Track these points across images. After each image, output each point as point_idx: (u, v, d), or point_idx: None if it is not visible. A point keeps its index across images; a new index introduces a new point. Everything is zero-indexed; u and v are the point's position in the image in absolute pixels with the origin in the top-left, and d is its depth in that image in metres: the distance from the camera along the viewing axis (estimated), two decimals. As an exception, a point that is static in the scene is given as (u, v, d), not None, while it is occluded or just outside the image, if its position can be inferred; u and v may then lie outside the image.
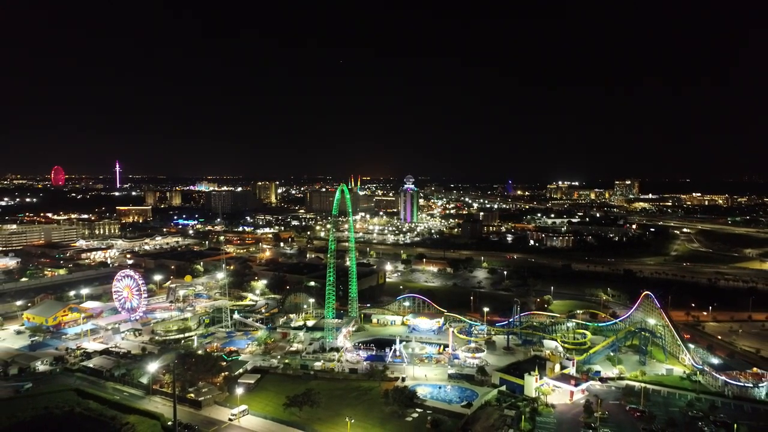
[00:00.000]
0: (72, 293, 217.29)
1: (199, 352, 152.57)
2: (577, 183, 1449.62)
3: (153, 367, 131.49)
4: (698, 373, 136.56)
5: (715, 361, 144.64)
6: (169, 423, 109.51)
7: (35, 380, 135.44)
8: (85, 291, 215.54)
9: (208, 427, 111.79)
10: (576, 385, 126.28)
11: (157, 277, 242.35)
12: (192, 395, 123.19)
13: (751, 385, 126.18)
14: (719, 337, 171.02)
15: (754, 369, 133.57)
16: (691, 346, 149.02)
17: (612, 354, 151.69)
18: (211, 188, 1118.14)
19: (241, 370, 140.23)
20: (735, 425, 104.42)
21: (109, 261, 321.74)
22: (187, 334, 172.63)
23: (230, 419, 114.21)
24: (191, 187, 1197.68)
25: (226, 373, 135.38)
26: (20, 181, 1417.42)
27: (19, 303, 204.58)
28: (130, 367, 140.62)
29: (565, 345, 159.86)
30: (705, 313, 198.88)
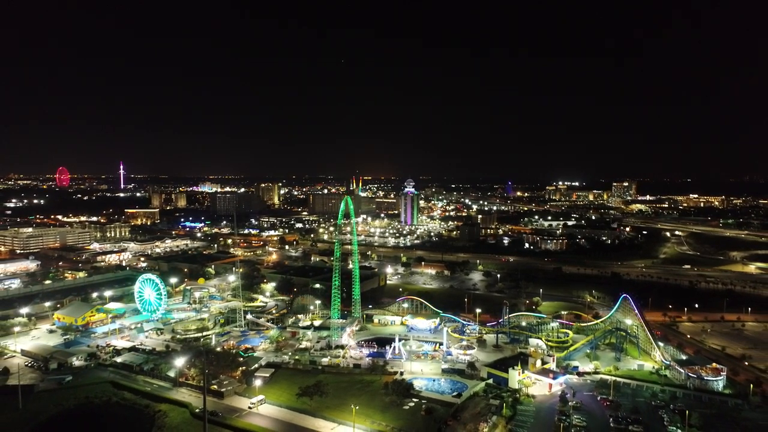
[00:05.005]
0: (95, 295, 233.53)
1: (218, 349, 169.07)
2: (576, 183, 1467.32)
3: (179, 362, 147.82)
4: (665, 368, 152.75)
5: (683, 357, 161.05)
6: (197, 410, 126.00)
7: (73, 374, 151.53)
8: (107, 293, 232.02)
9: (230, 414, 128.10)
10: (554, 378, 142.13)
11: (173, 280, 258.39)
12: (215, 387, 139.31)
13: (710, 379, 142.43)
14: (689, 336, 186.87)
15: (714, 364, 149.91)
16: (662, 344, 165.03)
17: (590, 351, 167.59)
18: (215, 189, 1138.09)
19: (256, 365, 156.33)
20: (687, 412, 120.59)
21: (124, 263, 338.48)
22: (204, 333, 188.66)
23: (249, 407, 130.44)
24: (195, 188, 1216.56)
25: (244, 367, 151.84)
26: (24, 182, 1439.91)
27: (48, 304, 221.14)
28: (157, 362, 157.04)
29: (549, 343, 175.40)
30: (682, 314, 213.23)
